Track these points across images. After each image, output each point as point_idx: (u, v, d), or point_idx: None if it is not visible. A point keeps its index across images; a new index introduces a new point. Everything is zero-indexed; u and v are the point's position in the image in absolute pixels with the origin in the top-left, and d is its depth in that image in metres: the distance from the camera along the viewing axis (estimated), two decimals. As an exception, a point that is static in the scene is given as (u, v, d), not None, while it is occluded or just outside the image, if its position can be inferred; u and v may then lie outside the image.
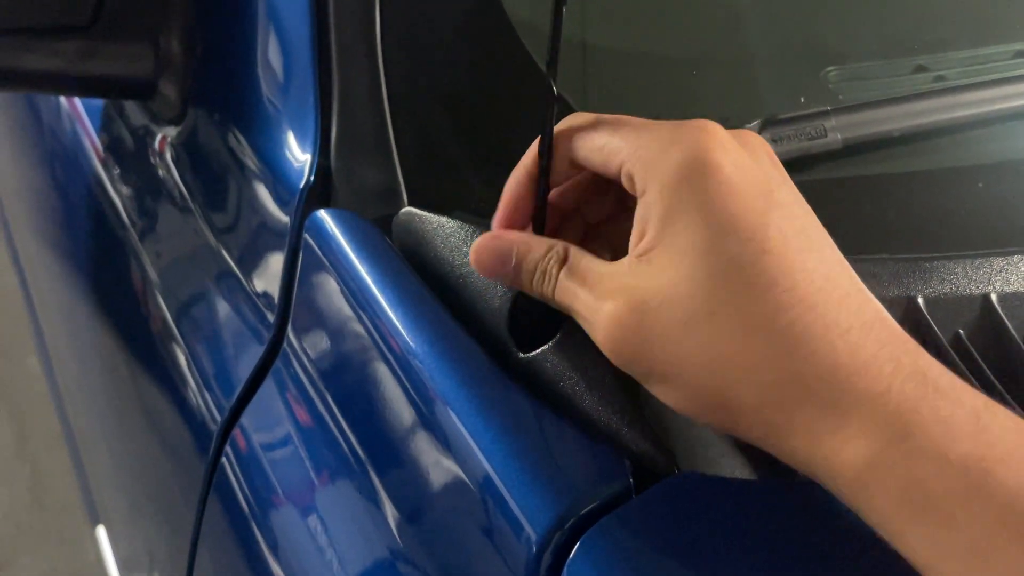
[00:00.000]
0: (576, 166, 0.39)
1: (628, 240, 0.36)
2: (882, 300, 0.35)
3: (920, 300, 0.44)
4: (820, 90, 0.56)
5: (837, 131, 0.49)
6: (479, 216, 0.47)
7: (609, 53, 0.54)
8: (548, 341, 0.41)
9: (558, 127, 0.39)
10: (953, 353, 0.43)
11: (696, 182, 0.34)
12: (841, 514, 0.36)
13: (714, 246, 0.33)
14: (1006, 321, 0.44)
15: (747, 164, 0.35)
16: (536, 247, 0.39)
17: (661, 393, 0.35)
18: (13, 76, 0.58)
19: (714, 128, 0.35)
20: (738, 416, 0.34)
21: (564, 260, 0.38)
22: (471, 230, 0.45)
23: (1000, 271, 0.46)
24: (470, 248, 0.44)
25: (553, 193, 0.41)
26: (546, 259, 0.38)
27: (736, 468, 0.39)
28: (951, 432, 0.31)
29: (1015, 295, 0.46)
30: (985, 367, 0.43)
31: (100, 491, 0.92)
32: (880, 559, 0.35)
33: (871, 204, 0.51)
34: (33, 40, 0.57)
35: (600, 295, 0.36)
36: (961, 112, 0.53)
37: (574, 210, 0.42)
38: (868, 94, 0.56)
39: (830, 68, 0.58)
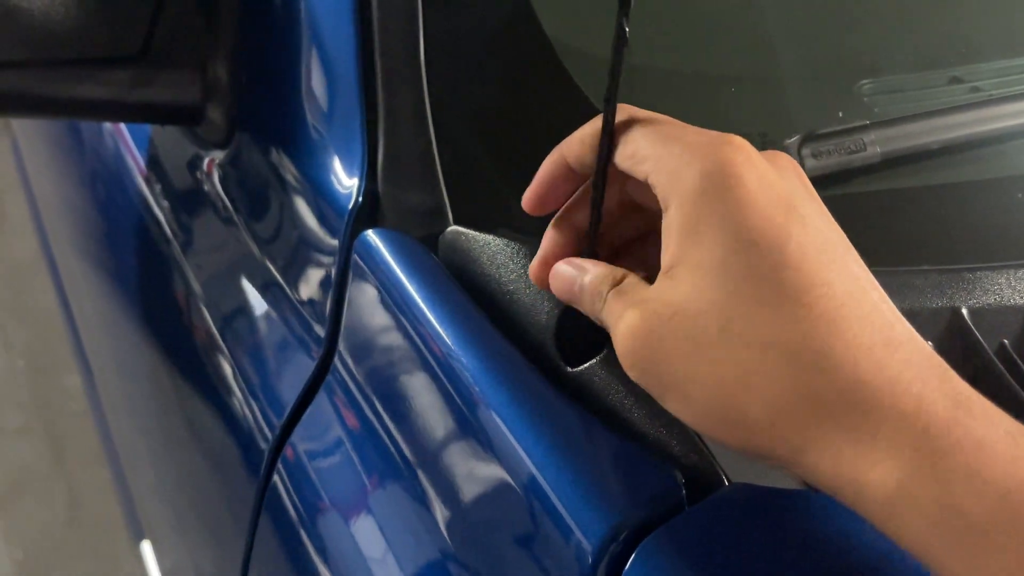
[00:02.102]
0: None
1: (659, 259, 0.36)
2: (925, 311, 0.36)
3: (964, 311, 0.45)
4: (855, 103, 0.57)
5: (876, 145, 0.50)
6: (523, 234, 0.48)
7: (647, 71, 0.55)
8: (596, 356, 0.42)
9: (592, 122, 0.39)
10: (998, 363, 0.43)
11: (717, 195, 0.34)
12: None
13: (732, 260, 0.33)
14: (1050, 331, 0.45)
15: (771, 178, 0.34)
16: (600, 271, 0.39)
17: (674, 408, 0.35)
18: (68, 105, 0.60)
19: (739, 142, 0.35)
20: (752, 434, 0.33)
21: (617, 283, 0.38)
22: (516, 247, 0.46)
23: (1043, 281, 0.46)
24: (516, 264, 0.46)
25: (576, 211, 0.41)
26: (602, 282, 0.38)
27: (785, 480, 0.40)
28: (987, 454, 0.30)
29: (1058, 305, 0.46)
30: None
31: (144, 506, 0.94)
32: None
33: (911, 216, 0.51)
34: (86, 70, 0.59)
35: (624, 306, 0.36)
36: (999, 124, 0.54)
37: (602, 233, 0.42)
38: (903, 106, 0.56)
39: (864, 81, 0.58)
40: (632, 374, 0.36)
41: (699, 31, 0.59)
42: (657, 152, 0.36)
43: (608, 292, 0.38)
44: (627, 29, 0.38)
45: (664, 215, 0.36)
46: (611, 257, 0.42)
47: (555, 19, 0.53)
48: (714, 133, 0.36)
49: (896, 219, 0.51)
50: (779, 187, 0.34)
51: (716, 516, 0.37)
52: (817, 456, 0.32)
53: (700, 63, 0.58)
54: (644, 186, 0.37)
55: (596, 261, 0.40)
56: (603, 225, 0.41)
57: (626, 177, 0.39)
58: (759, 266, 0.33)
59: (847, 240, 0.36)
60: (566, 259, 0.40)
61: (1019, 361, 0.44)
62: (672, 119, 0.38)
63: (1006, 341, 0.45)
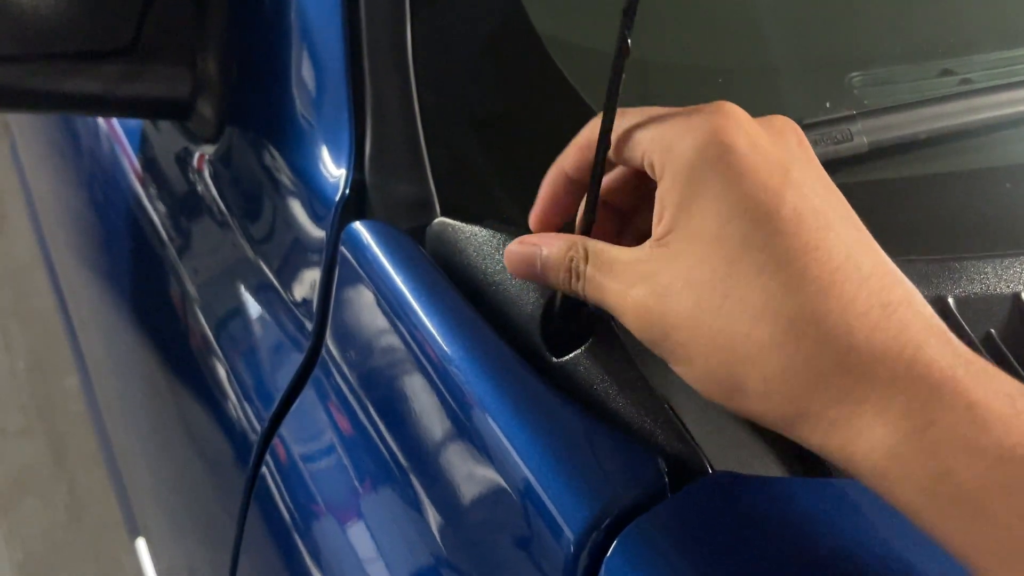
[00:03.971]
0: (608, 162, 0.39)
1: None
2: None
3: (951, 300, 0.45)
4: (844, 96, 0.57)
5: (863, 135, 0.50)
6: (510, 225, 0.48)
7: (635, 63, 0.55)
8: (580, 346, 0.42)
9: (589, 127, 0.40)
10: (985, 353, 0.43)
11: (710, 165, 0.33)
12: (878, 511, 0.36)
13: (726, 229, 0.33)
14: (1037, 319, 0.45)
15: (763, 143, 0.34)
16: (554, 246, 0.39)
17: (683, 374, 0.36)
18: (57, 99, 0.60)
19: (730, 109, 0.35)
20: (749, 401, 0.33)
21: (586, 257, 0.38)
22: (503, 238, 0.46)
23: (1030, 270, 0.46)
24: (502, 255, 0.46)
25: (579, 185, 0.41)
26: (567, 257, 0.38)
27: (769, 468, 0.40)
28: (982, 418, 0.29)
29: (1046, 294, 0.46)
30: (1018, 366, 0.43)
31: (140, 507, 0.94)
32: (920, 557, 0.35)
33: (898, 206, 0.51)
34: (75, 64, 0.59)
35: (627, 284, 0.36)
36: (986, 114, 0.54)
37: (606, 203, 0.42)
38: (893, 99, 0.56)
39: (854, 73, 0.58)
40: (648, 344, 0.36)
41: (689, 23, 0.59)
42: (650, 135, 0.36)
43: (585, 267, 0.38)
44: (629, 41, 0.38)
45: (658, 186, 0.36)
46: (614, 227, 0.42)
47: (542, 11, 0.53)
48: (705, 104, 0.35)
49: (883, 209, 0.51)
50: (773, 152, 0.34)
51: (698, 504, 0.36)
52: (811, 424, 0.32)
53: (690, 55, 0.58)
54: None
55: (548, 234, 0.40)
56: (609, 193, 0.41)
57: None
58: (754, 234, 0.33)
59: (846, 202, 0.35)
60: (517, 239, 0.41)
61: (1006, 351, 0.44)
62: (657, 107, 0.38)
63: (993, 331, 0.45)
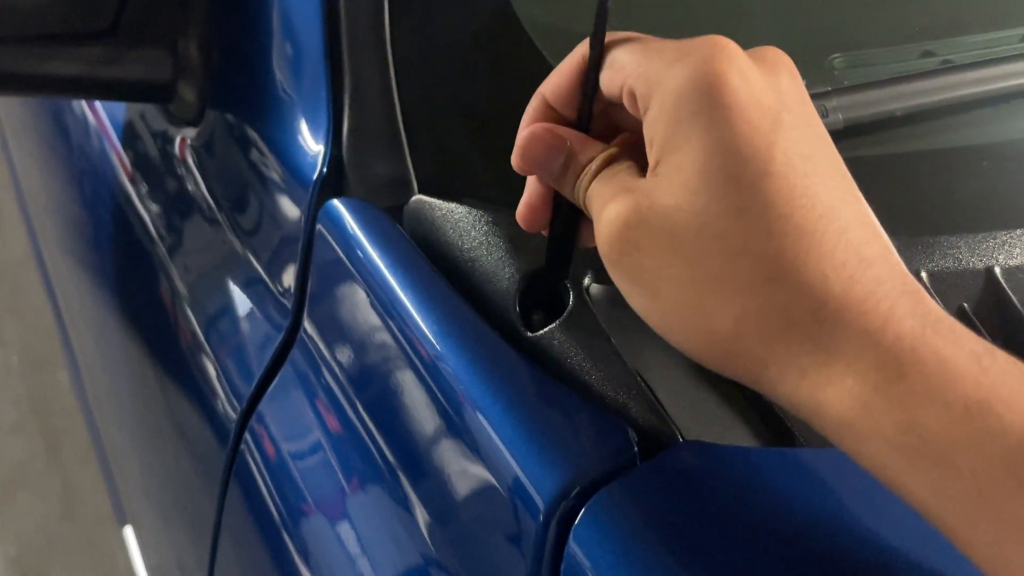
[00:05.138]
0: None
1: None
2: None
3: (924, 274, 0.45)
4: (825, 76, 0.57)
5: (839, 111, 0.50)
6: (487, 203, 0.48)
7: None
8: (554, 321, 0.43)
9: (573, 55, 0.38)
10: None
11: (700, 97, 0.32)
12: (843, 480, 0.37)
13: (714, 165, 0.32)
14: (1010, 294, 0.45)
15: (757, 81, 0.33)
16: (590, 148, 0.37)
17: (641, 306, 0.34)
18: (38, 81, 0.60)
19: (724, 43, 0.33)
20: (716, 342, 0.33)
21: (608, 162, 0.36)
22: (479, 215, 0.46)
23: (1003, 245, 0.46)
24: (478, 232, 0.46)
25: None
26: (593, 161, 0.36)
27: (739, 439, 0.40)
28: (950, 374, 0.29)
29: (1019, 268, 0.46)
30: (989, 340, 0.43)
31: (130, 501, 0.94)
32: (884, 524, 0.35)
33: (873, 184, 0.51)
34: (57, 47, 0.59)
35: (612, 192, 0.35)
36: (963, 91, 0.54)
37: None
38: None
39: (835, 55, 0.58)
40: (608, 262, 0.35)
41: (670, 2, 0.59)
42: (635, 59, 0.35)
43: (597, 172, 0.36)
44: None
45: (645, 118, 0.34)
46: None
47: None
48: (698, 38, 0.34)
49: (859, 187, 0.51)
50: (766, 91, 0.33)
51: (667, 472, 0.37)
52: (779, 371, 0.31)
53: (670, 30, 0.58)
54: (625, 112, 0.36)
55: (588, 137, 0.37)
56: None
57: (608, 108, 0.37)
58: (741, 174, 0.32)
59: (834, 149, 0.34)
60: (549, 125, 0.38)
61: (978, 324, 0.44)
62: (648, 36, 0.36)
63: (965, 305, 0.45)
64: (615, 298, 0.44)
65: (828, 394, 0.30)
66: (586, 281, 0.44)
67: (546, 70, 0.52)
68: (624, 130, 0.38)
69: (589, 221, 0.39)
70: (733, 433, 0.40)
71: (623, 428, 0.38)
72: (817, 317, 0.31)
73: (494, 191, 0.49)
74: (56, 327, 1.44)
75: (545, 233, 0.41)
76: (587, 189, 0.36)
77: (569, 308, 0.43)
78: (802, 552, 0.34)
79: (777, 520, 0.35)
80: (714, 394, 0.42)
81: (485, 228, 0.46)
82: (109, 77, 0.59)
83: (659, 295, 0.33)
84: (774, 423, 0.40)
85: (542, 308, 0.44)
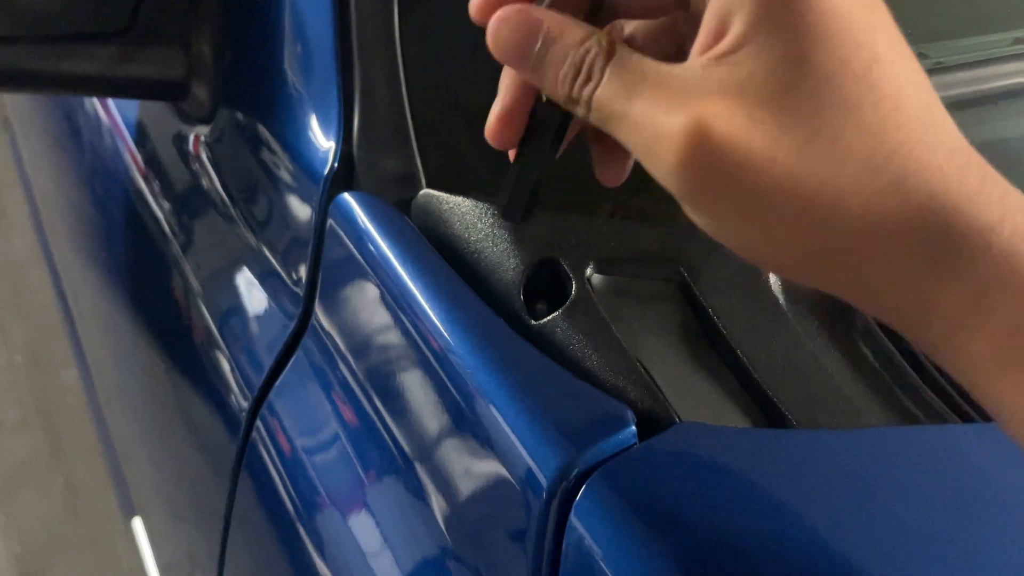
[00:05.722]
0: None
1: (675, 44, 0.30)
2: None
3: None
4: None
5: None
6: (493, 198, 0.49)
7: None
8: (558, 309, 0.44)
9: None
10: None
11: None
12: (835, 461, 0.38)
13: (818, 51, 0.27)
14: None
15: None
16: (572, 31, 0.30)
17: (737, 235, 0.29)
18: (55, 79, 0.62)
19: None
20: (827, 261, 0.29)
21: (610, 54, 0.30)
22: (484, 208, 0.48)
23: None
24: (484, 224, 0.47)
25: None
26: (583, 48, 0.30)
27: (736, 422, 0.42)
28: None
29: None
30: None
31: (139, 494, 0.96)
32: (877, 506, 0.37)
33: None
34: (72, 46, 0.60)
35: (670, 105, 0.28)
36: (954, 92, 0.55)
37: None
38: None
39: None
40: (690, 191, 0.29)
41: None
42: None
43: (604, 68, 0.30)
44: None
45: None
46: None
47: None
48: None
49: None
50: None
51: (665, 451, 0.38)
52: (889, 279, 0.28)
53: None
54: None
55: (568, 17, 0.31)
56: None
57: None
58: (851, 59, 0.27)
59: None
60: (519, 5, 0.31)
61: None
62: None
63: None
64: (616, 288, 0.46)
65: (938, 297, 0.28)
66: (588, 271, 0.46)
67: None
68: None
69: (580, 144, 0.35)
70: (729, 416, 0.41)
71: (623, 410, 0.40)
72: (937, 214, 0.27)
73: (499, 185, 0.50)
74: (64, 324, 1.46)
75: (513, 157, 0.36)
76: (595, 87, 0.30)
77: (572, 297, 0.44)
78: (796, 532, 0.36)
79: (771, 499, 0.37)
80: (710, 379, 0.43)
81: (491, 221, 0.48)
82: (124, 76, 0.61)
83: (759, 220, 0.28)
84: (768, 407, 0.42)
85: (545, 298, 0.46)
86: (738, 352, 0.43)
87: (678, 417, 0.40)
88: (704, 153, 0.28)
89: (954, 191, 0.28)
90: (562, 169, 0.52)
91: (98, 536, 1.61)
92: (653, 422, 0.40)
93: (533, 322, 0.44)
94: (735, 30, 0.28)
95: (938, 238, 0.28)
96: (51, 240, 1.26)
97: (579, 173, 0.49)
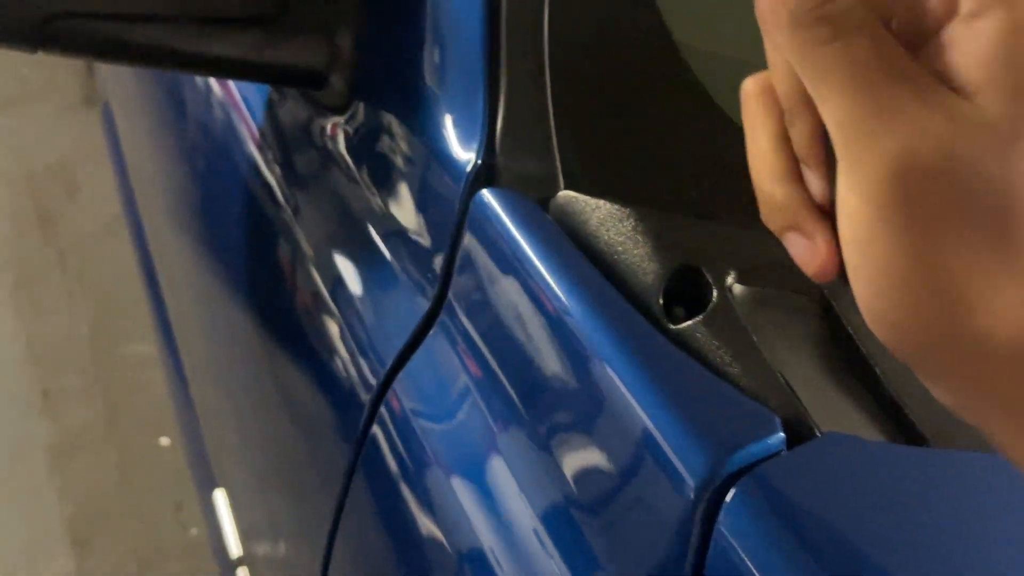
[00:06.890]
0: None
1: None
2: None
3: None
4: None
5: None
6: (631, 203, 0.51)
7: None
8: (699, 315, 0.45)
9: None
10: None
11: None
12: (978, 483, 0.39)
13: None
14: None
15: None
16: None
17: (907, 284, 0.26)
18: (199, 61, 0.64)
19: None
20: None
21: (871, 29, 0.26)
22: (625, 212, 0.49)
23: None
24: (624, 226, 0.49)
25: None
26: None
27: (873, 436, 0.42)
28: None
29: None
30: None
31: (219, 462, 0.98)
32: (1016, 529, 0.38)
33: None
34: (220, 28, 0.63)
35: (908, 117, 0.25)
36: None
37: None
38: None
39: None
40: (877, 219, 0.26)
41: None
42: None
43: (864, 37, 0.26)
44: None
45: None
46: None
47: (676, 15, 0.56)
48: None
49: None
50: None
51: (812, 461, 0.39)
52: None
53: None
54: None
55: None
56: None
57: None
58: None
59: None
60: None
61: None
62: None
63: None
64: (757, 298, 0.47)
65: None
66: (729, 280, 0.47)
67: (692, 83, 0.55)
68: None
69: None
70: (866, 430, 0.42)
71: (771, 415, 0.41)
72: None
73: (636, 190, 0.52)
74: (133, 300, 1.49)
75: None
76: (824, 42, 0.26)
77: (712, 304, 0.45)
78: (944, 552, 0.37)
79: (919, 518, 0.38)
80: (847, 393, 0.44)
81: (631, 224, 0.49)
82: (267, 61, 0.63)
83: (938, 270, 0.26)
84: (905, 424, 0.43)
85: (683, 304, 0.47)
86: (876, 370, 0.44)
87: (818, 429, 0.41)
88: (900, 186, 0.26)
89: None
90: (699, 175, 0.53)
91: (143, 510, 1.64)
92: (795, 431, 0.41)
93: (672, 326, 0.46)
94: (974, 69, 0.26)
95: None
96: (142, 213, 1.29)
97: (721, 180, 0.50)
